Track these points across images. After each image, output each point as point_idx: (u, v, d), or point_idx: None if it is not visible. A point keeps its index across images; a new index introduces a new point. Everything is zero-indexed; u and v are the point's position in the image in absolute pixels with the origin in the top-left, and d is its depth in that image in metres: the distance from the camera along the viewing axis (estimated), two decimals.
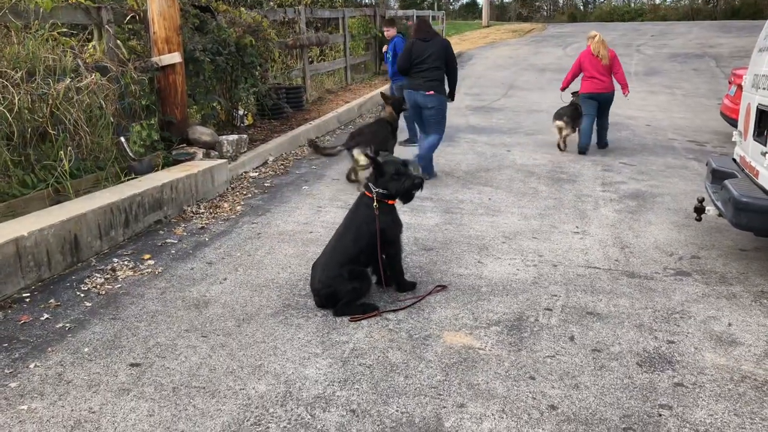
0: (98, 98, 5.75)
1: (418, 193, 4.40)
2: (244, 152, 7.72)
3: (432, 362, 3.46)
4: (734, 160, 5.49)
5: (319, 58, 12.87)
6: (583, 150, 8.84)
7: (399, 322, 3.93)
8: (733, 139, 5.64)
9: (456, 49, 20.76)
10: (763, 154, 4.48)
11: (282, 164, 7.97)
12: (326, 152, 7.00)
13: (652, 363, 3.49)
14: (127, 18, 6.87)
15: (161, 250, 5.05)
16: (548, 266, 4.86)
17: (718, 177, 5.25)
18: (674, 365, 3.47)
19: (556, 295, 4.34)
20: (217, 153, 7.20)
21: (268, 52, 8.96)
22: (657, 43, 21.23)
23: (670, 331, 3.86)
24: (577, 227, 5.80)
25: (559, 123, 9.03)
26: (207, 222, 5.74)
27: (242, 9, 8.61)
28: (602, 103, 8.95)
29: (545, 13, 57.44)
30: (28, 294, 4.20)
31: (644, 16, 39.98)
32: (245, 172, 7.40)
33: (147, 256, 4.90)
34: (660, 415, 3.02)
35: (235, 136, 7.59)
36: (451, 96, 7.44)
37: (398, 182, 4.27)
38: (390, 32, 9.48)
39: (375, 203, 4.16)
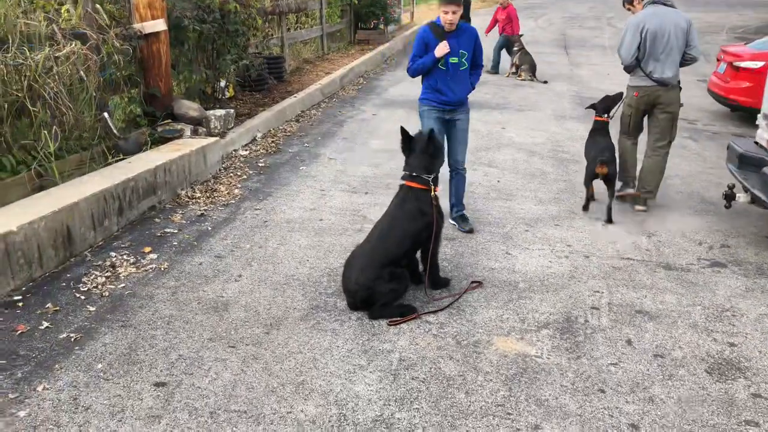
0: (79, 69, 5.16)
1: None
2: (232, 128, 7.19)
3: (490, 374, 3.17)
4: (757, 143, 5.30)
5: (296, 26, 12.23)
6: None
7: (442, 325, 3.61)
8: (757, 123, 5.45)
9: (428, 19, 20.30)
10: None
11: (273, 141, 7.47)
12: None
13: (721, 370, 3.28)
14: None
15: (161, 241, 4.58)
16: (580, 258, 4.60)
17: (748, 162, 5.06)
18: (744, 372, 3.27)
19: (598, 291, 4.09)
20: (204, 129, 6.66)
21: (251, 19, 8.34)
22: (627, 15, 21.14)
23: (726, 331, 3.66)
24: (599, 219, 5.55)
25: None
26: (206, 208, 5.27)
27: None
28: None
29: None
30: (20, 297, 3.70)
31: None
32: (235, 150, 6.89)
33: (147, 249, 4.43)
34: None
35: (222, 111, 7.05)
36: None
37: (439, 158, 3.99)
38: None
39: (433, 193, 3.82)
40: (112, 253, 4.31)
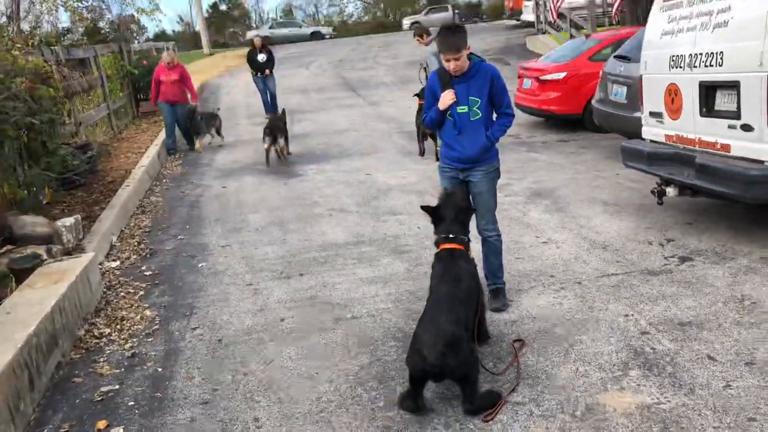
0: None
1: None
2: (83, 239, 5.79)
3: None
4: (653, 141, 5.67)
5: (82, 107, 10.59)
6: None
7: (536, 403, 3.10)
8: (643, 121, 5.83)
9: (197, 80, 19.35)
10: (734, 127, 4.61)
11: (136, 243, 6.18)
12: None
13: None
14: None
15: (110, 407, 3.34)
16: (575, 285, 4.42)
17: (659, 158, 5.37)
18: None
19: (628, 315, 3.91)
20: (60, 247, 5.24)
21: (59, 104, 6.91)
22: (389, 53, 22.43)
23: (765, 320, 3.70)
24: (537, 237, 5.48)
25: None
26: (129, 345, 4.04)
27: (14, 52, 6.44)
28: None
29: (241, 38, 57.33)
30: None
31: (337, 32, 41.78)
32: (100, 264, 5.52)
33: (103, 424, 3.18)
34: None
35: (70, 220, 5.64)
36: None
37: (470, 212, 3.75)
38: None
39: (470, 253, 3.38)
40: None
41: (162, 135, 11.14)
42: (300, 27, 38.63)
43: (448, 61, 3.80)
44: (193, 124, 10.81)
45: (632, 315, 3.91)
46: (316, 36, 35.12)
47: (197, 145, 10.88)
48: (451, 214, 3.60)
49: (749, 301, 3.95)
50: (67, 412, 3.34)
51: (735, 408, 2.92)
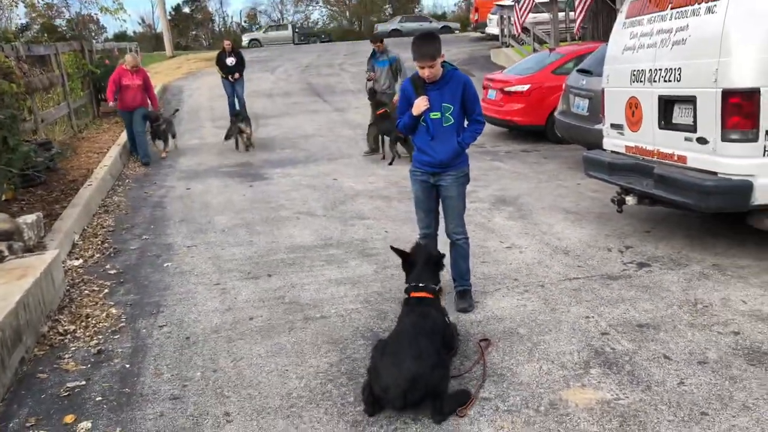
0: None
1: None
2: (44, 236, 5.69)
3: None
4: (614, 152, 5.89)
5: (42, 105, 10.35)
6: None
7: (502, 398, 3.20)
8: (604, 133, 6.05)
9: (159, 81, 19.09)
10: (690, 140, 4.84)
11: (99, 242, 6.10)
12: None
13: (756, 357, 3.45)
14: None
15: (77, 402, 3.31)
16: (538, 288, 4.56)
17: (619, 168, 5.58)
18: None
19: (588, 317, 4.06)
20: (21, 244, 5.14)
21: (21, 100, 6.78)
22: (355, 61, 22.50)
23: (719, 323, 3.88)
24: (501, 242, 5.62)
25: None
26: (95, 342, 4.00)
27: None
28: None
29: (204, 42, 56.71)
30: None
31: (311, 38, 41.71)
32: (63, 262, 5.43)
33: (70, 418, 3.15)
34: None
35: (32, 217, 5.53)
36: None
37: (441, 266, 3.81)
38: None
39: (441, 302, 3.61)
40: None
41: (124, 136, 10.95)
42: (430, 22, 38.27)
43: (422, 68, 3.89)
44: (156, 129, 10.36)
45: (593, 317, 4.06)
46: (445, 30, 35.06)
47: (163, 151, 10.57)
48: (422, 263, 3.66)
49: (702, 305, 4.14)
50: (32, 406, 3.29)
51: (688, 403, 3.07)
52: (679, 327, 3.86)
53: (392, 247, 3.85)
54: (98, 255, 5.72)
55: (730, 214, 4.96)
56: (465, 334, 3.88)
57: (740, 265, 4.72)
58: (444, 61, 4.02)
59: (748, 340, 3.65)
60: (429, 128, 4.02)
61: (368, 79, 10.18)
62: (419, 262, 3.68)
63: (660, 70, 5.15)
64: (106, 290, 4.88)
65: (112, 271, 5.29)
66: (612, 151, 5.92)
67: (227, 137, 10.78)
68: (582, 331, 3.86)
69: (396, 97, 8.85)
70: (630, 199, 5.46)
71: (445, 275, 4.11)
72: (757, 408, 3.00)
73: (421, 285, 3.57)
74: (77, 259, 5.59)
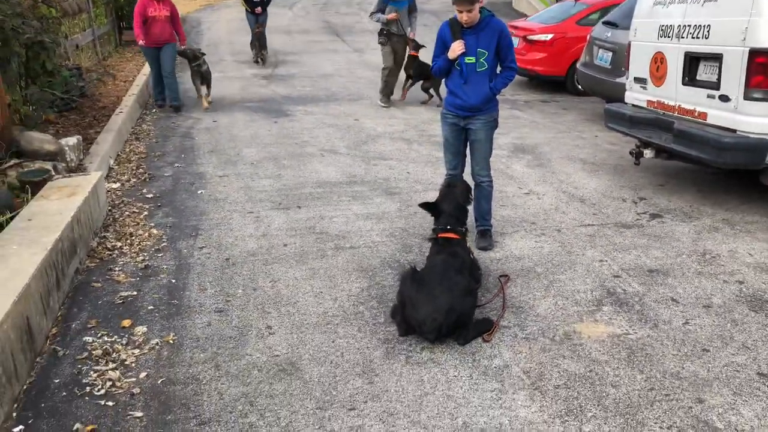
0: None
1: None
2: (83, 159, 5.94)
3: (611, 363, 3.17)
4: (635, 105, 6.03)
5: (70, 30, 10.42)
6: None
7: (521, 327, 3.49)
8: (627, 86, 6.18)
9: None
10: (713, 97, 4.99)
11: (134, 167, 6.35)
12: None
13: (759, 305, 3.72)
14: None
15: (131, 309, 3.63)
16: (554, 232, 4.81)
17: (639, 122, 5.74)
18: None
19: (602, 260, 4.32)
20: (64, 165, 5.40)
21: (57, 25, 6.91)
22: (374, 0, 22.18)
23: (725, 272, 4.14)
24: (519, 188, 5.85)
25: None
26: (141, 258, 4.29)
27: None
28: None
29: None
30: (23, 427, 2.64)
31: None
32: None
33: (127, 323, 3.47)
34: None
35: (73, 140, 5.77)
36: None
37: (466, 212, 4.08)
38: None
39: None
40: (87, 339, 3.30)
41: (148, 68, 10.99)
42: None
43: (461, 12, 4.04)
44: (196, 69, 8.82)
45: (606, 260, 4.32)
46: None
47: (205, 98, 9.14)
48: (450, 208, 3.91)
49: (710, 255, 4.39)
50: (91, 311, 3.61)
51: (692, 341, 3.36)
52: (687, 274, 4.12)
53: (420, 204, 4.05)
54: (134, 179, 5.98)
55: (744, 171, 5.16)
56: (485, 270, 4.16)
57: (749, 221, 4.95)
58: (482, 7, 4.15)
59: (751, 288, 3.91)
60: (463, 72, 4.20)
61: (389, 20, 9.02)
62: (447, 210, 3.93)
63: (689, 26, 5.25)
64: (146, 212, 5.15)
65: (149, 195, 5.56)
66: (633, 105, 6.07)
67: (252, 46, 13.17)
68: (595, 273, 4.14)
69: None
70: (648, 152, 5.65)
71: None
72: (756, 348, 3.28)
73: (449, 227, 3.83)
74: (115, 182, 5.86)
